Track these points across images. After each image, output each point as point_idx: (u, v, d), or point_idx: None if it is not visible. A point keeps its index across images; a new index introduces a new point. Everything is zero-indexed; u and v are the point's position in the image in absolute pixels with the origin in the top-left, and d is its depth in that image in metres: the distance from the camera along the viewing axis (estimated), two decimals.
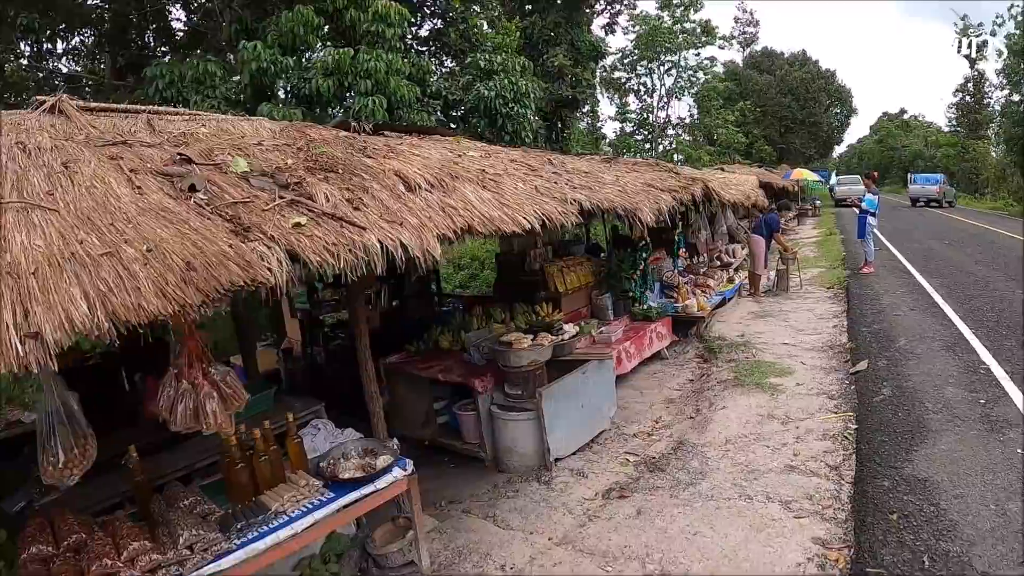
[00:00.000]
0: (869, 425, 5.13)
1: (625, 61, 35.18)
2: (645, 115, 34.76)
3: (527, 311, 7.61)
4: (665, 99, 34.82)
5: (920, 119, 71.74)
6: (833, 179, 41.91)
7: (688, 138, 35.85)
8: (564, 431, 5.48)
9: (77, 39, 14.89)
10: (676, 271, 9.11)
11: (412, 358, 6.71)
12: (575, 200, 4.22)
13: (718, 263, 13.41)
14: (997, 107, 45.00)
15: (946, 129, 55.93)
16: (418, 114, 9.09)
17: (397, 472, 3.90)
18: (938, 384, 5.79)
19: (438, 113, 9.91)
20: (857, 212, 12.94)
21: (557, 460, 5.40)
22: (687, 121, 36.19)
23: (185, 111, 5.08)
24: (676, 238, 8.80)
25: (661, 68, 33.87)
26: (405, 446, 6.52)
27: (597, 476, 5.11)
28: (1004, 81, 39.83)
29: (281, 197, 3.29)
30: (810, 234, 22.39)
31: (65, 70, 15.30)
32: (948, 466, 4.29)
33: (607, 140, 34.47)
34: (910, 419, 5.11)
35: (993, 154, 47.17)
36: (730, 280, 11.27)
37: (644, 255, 7.88)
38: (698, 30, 33.01)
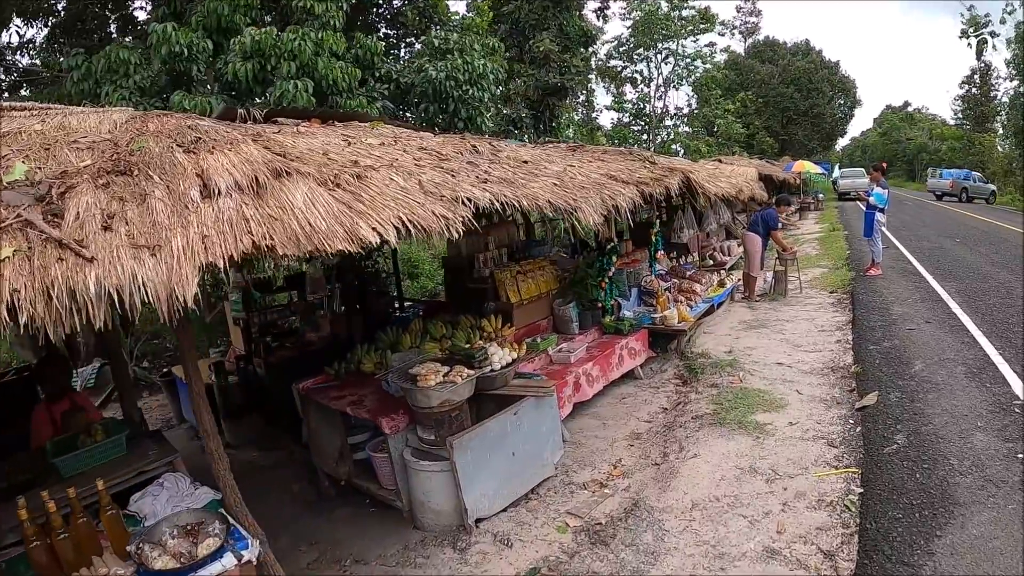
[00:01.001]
0: (878, 490, 3.97)
1: (621, 49, 33.94)
2: (641, 105, 33.46)
3: (473, 325, 6.52)
4: (662, 88, 33.56)
5: (924, 112, 70.49)
6: (836, 172, 40.76)
7: (688, 129, 34.55)
8: (489, 486, 4.37)
9: (32, 31, 14.08)
10: (655, 276, 7.94)
11: (331, 382, 5.65)
12: (471, 199, 3.07)
13: (711, 262, 12.28)
14: (1005, 99, 43.78)
15: (951, 122, 54.59)
16: (356, 100, 7.91)
17: (227, 560, 2.95)
18: (964, 429, 4.61)
19: (385, 98, 8.72)
20: (864, 207, 11.76)
21: (479, 521, 4.32)
22: (685, 111, 34.85)
23: (35, 105, 4.33)
24: (654, 239, 7.61)
25: (658, 56, 32.59)
26: (326, 482, 5.57)
27: (525, 546, 4.00)
28: (1013, 72, 38.56)
29: (18, 216, 2.32)
30: (812, 229, 21.14)
31: (24, 63, 14.49)
32: (982, 564, 3.13)
33: (602, 131, 33.14)
34: (931, 483, 3.94)
35: (1000, 148, 45.95)
36: (721, 284, 10.08)
37: (612, 259, 6.72)
38: (696, 17, 31.68)
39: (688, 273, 9.52)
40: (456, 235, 2.88)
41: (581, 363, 6.27)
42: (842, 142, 69.76)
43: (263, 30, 7.79)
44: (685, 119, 34.93)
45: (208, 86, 8.75)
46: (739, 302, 10.23)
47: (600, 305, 6.81)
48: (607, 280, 6.70)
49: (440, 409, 4.35)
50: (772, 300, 10.16)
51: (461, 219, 2.86)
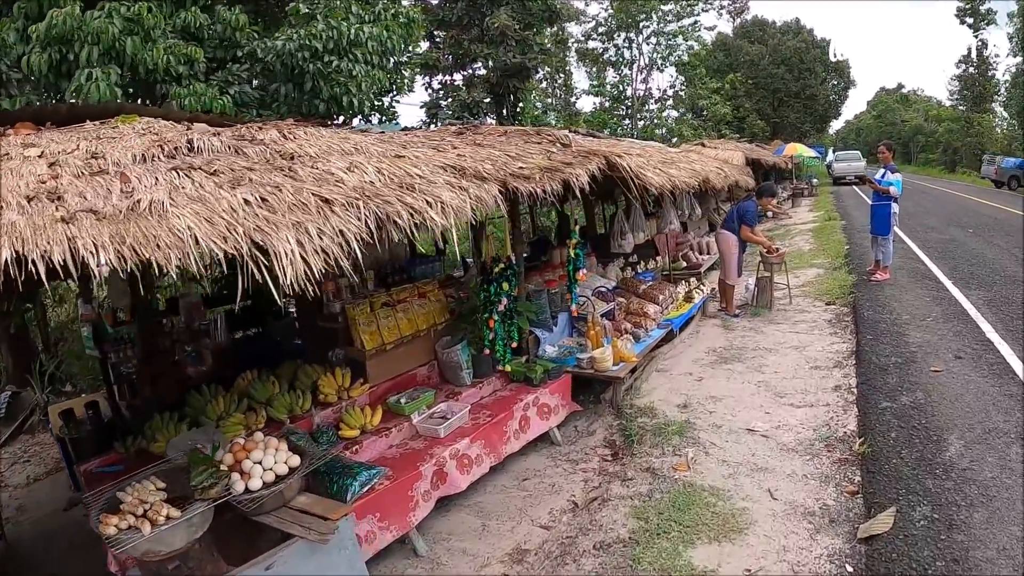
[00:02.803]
0: None
1: (600, 30, 31.76)
2: (622, 87, 31.33)
3: (308, 386, 4.58)
4: (645, 70, 31.39)
5: (919, 93, 68.59)
6: (830, 156, 38.76)
7: (674, 112, 32.42)
8: None
9: None
10: (578, 303, 5.90)
11: (120, 464, 3.90)
12: None
13: (684, 265, 10.26)
14: (1006, 77, 41.80)
15: (948, 103, 52.62)
16: (190, 88, 5.94)
17: None
18: None
19: (245, 82, 6.71)
20: (871, 199, 9.68)
21: None
22: (669, 93, 32.73)
23: None
24: (572, 253, 5.56)
25: (639, 36, 30.43)
26: None
27: None
28: (1017, 48, 36.45)
29: None
30: (805, 218, 19.04)
31: None
32: None
33: (582, 116, 30.97)
34: None
35: (998, 130, 44.03)
36: (688, 298, 7.99)
37: (503, 287, 4.70)
38: None
39: (643, 287, 7.47)
40: None
41: (456, 437, 4.27)
42: (836, 125, 67.82)
43: (65, 10, 5.90)
44: (670, 101, 32.78)
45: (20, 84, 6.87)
46: (713, 316, 8.24)
47: (487, 352, 4.79)
48: (496, 317, 4.68)
49: (147, 559, 2.43)
50: (754, 315, 8.16)
51: None
